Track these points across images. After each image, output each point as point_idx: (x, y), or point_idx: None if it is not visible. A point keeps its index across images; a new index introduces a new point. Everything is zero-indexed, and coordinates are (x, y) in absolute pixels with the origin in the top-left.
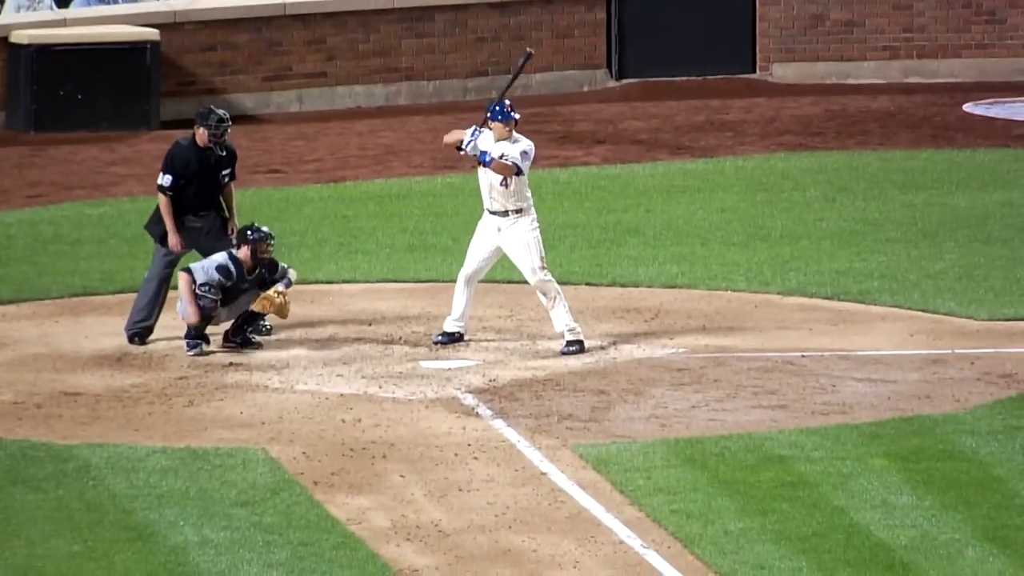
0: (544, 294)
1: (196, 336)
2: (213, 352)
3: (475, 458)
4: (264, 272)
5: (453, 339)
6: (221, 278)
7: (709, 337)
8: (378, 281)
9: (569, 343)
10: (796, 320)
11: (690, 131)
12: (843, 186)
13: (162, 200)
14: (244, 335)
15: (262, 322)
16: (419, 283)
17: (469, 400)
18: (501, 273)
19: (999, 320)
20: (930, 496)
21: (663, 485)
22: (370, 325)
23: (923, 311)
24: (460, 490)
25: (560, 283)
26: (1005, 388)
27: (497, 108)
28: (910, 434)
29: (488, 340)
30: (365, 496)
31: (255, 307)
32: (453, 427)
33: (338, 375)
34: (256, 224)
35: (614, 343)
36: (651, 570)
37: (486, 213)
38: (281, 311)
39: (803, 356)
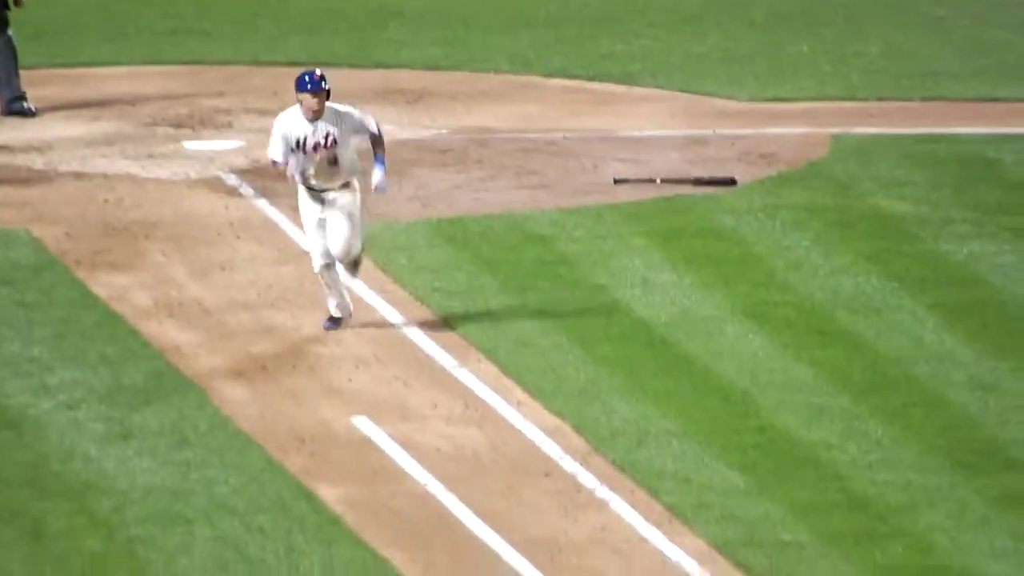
0: (356, 266)
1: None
2: None
3: (238, 237)
4: None
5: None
6: None
7: (472, 118)
8: (140, 64)
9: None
10: (558, 101)
11: None
12: None
13: None
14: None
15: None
16: (182, 66)
17: (232, 180)
18: None
19: (760, 102)
20: (690, 274)
21: (425, 264)
22: (133, 106)
23: (684, 92)
24: (222, 269)
25: (323, 66)
26: (765, 167)
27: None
28: (671, 213)
29: (252, 122)
30: (127, 275)
31: None
32: (216, 207)
33: (101, 156)
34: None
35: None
36: (413, 347)
37: (308, 191)
38: None
39: (565, 137)
